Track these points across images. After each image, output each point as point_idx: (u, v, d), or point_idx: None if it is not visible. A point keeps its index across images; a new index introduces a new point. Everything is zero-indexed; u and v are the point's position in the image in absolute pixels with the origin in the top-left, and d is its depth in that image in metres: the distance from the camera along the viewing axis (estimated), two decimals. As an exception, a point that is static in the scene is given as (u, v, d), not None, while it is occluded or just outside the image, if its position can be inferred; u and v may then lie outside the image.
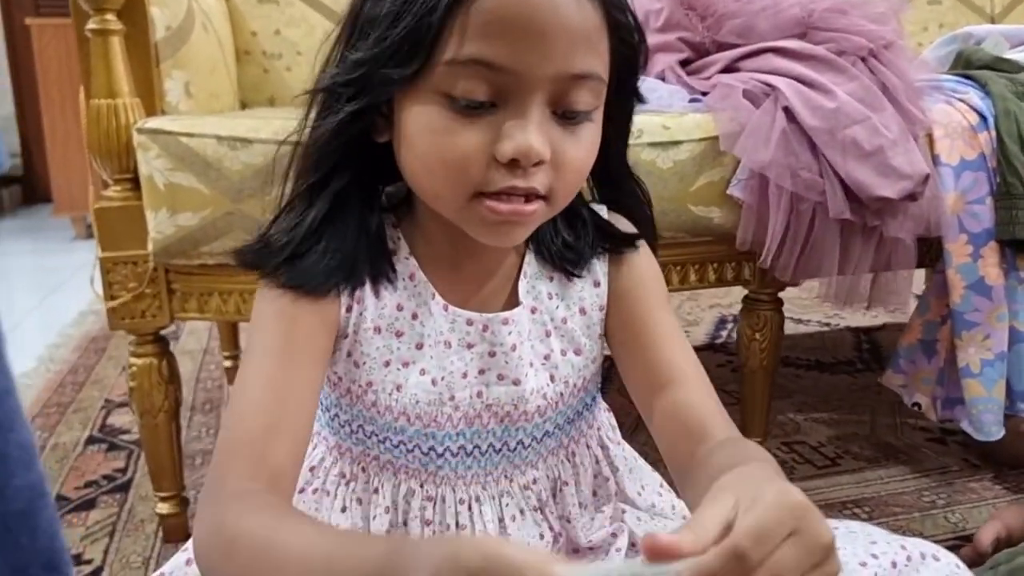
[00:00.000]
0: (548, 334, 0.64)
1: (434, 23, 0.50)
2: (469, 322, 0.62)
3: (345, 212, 0.59)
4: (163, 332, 1.03)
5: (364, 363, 0.62)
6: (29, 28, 3.41)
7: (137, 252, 0.97)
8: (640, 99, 0.61)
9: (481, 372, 0.63)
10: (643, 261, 0.67)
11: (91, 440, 1.40)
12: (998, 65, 1.34)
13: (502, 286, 0.64)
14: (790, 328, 1.93)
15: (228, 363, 1.65)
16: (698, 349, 1.79)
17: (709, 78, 1.08)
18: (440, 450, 0.63)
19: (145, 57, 1.02)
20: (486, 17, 0.49)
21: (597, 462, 0.70)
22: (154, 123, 0.93)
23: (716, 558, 0.35)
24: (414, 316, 0.62)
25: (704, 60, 1.10)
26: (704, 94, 1.06)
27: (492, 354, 0.62)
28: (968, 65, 1.38)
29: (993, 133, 1.09)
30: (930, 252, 1.15)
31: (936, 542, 1.01)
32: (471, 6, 0.49)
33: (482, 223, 0.54)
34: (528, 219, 0.54)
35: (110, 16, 0.94)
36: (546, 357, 0.64)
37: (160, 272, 0.98)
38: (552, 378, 0.64)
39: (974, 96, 1.11)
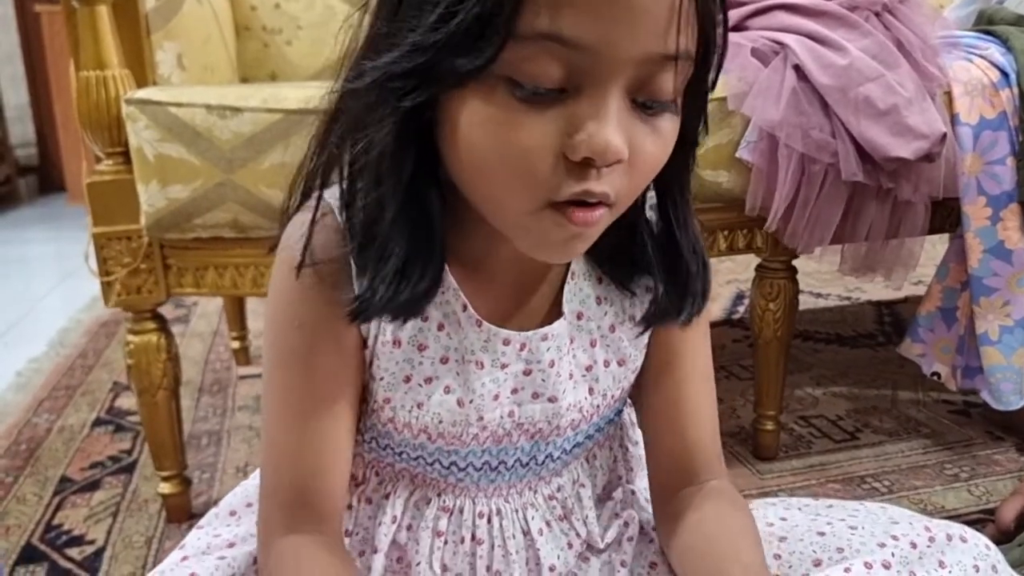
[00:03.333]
0: (593, 343, 0.57)
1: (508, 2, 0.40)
2: (506, 342, 0.54)
3: (420, 228, 0.48)
4: (174, 314, 1.01)
5: (382, 378, 0.54)
6: (39, 15, 3.40)
7: (131, 227, 0.95)
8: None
9: (514, 391, 0.55)
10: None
11: (98, 422, 1.39)
12: (1022, 23, 1.29)
13: (545, 293, 0.56)
14: (809, 302, 1.90)
15: (236, 344, 1.64)
16: (714, 325, 1.76)
17: (716, 38, 1.03)
18: (463, 464, 0.57)
19: (135, 28, 1.00)
20: None
21: (615, 461, 0.66)
22: (142, 93, 0.90)
23: None
24: (440, 327, 0.53)
25: (711, 20, 1.06)
26: (711, 55, 1.02)
27: (528, 372, 0.55)
28: (990, 23, 1.33)
29: (1015, 90, 1.04)
30: (950, 216, 1.11)
31: (959, 515, 0.99)
32: None
33: (543, 238, 0.46)
34: (594, 229, 0.46)
35: (97, -15, 0.91)
36: (588, 368, 0.57)
37: (155, 247, 0.96)
38: (591, 391, 0.58)
39: (995, 52, 1.07)
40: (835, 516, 0.60)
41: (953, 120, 1.03)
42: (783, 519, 0.61)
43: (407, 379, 0.54)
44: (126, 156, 0.93)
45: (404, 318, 0.50)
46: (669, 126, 0.45)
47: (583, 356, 0.57)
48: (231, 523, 0.63)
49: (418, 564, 0.57)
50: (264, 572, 0.53)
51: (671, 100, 0.44)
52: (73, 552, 1.01)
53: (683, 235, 0.53)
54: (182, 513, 1.07)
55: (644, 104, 0.43)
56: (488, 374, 0.54)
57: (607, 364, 0.57)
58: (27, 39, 4.31)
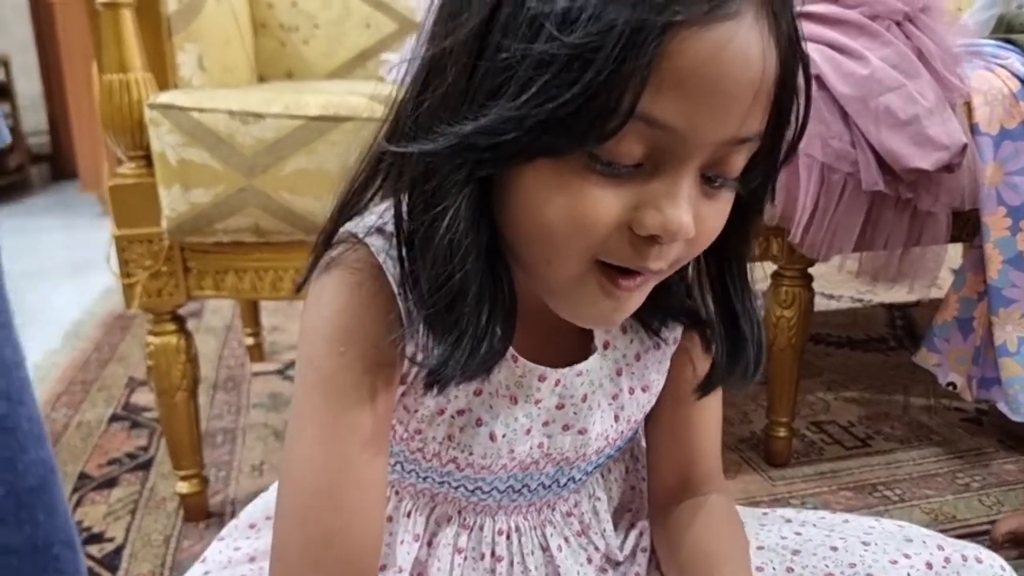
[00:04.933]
0: (619, 372, 0.57)
1: (636, 82, 0.38)
2: (541, 378, 0.53)
3: (498, 284, 0.46)
4: (187, 309, 1.02)
5: (416, 411, 0.53)
6: (53, 5, 3.41)
7: (152, 230, 0.96)
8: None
9: (545, 424, 0.55)
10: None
11: (115, 418, 1.40)
12: (1042, 29, 1.28)
13: (576, 328, 0.53)
14: (821, 304, 1.89)
15: (250, 340, 1.65)
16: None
17: (736, 46, 1.03)
18: (487, 489, 0.57)
19: (157, 30, 1.00)
20: (668, 69, 0.38)
21: (627, 472, 0.67)
22: (165, 98, 0.91)
23: None
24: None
25: (731, 27, 1.06)
26: (731, 63, 1.02)
27: (560, 407, 0.55)
28: (1010, 29, 1.33)
29: (1036, 100, 1.04)
30: (967, 226, 1.11)
31: (970, 526, 1.00)
32: (661, 57, 0.38)
33: (588, 301, 0.45)
34: (636, 296, 0.46)
35: (120, -12, 0.92)
36: (614, 397, 0.58)
37: (176, 250, 0.97)
38: (616, 418, 0.58)
39: (1016, 62, 1.06)
40: (849, 532, 0.61)
41: (973, 130, 1.03)
42: (797, 533, 0.62)
43: (441, 411, 0.53)
44: (148, 159, 0.94)
45: (471, 380, 0.48)
46: (729, 197, 0.45)
47: (609, 385, 0.57)
48: (251, 536, 0.64)
49: None
50: None
51: (732, 178, 0.44)
52: (93, 550, 1.02)
53: (741, 303, 0.53)
54: (199, 512, 1.08)
55: (710, 178, 0.43)
56: (522, 409, 0.54)
57: (632, 391, 0.58)
58: (40, 29, 4.32)
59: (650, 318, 0.55)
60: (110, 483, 1.18)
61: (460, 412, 0.53)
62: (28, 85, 4.56)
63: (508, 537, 0.59)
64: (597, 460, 0.60)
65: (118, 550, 1.02)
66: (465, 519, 0.59)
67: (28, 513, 0.29)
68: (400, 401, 0.53)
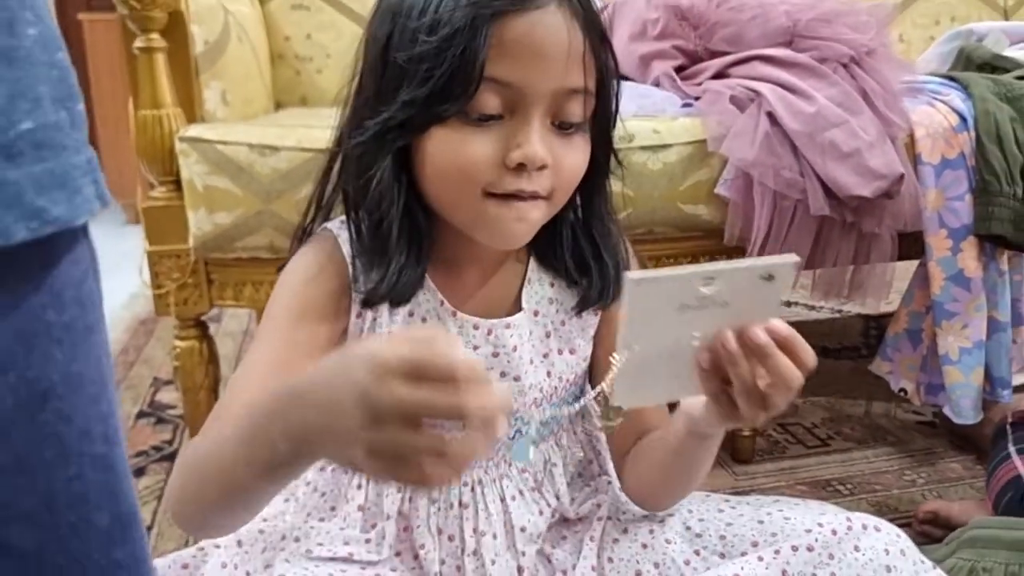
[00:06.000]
0: (548, 335, 0.72)
1: (479, 57, 0.56)
2: (475, 327, 0.68)
3: (414, 228, 0.64)
4: (205, 316, 1.14)
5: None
6: (81, 23, 3.57)
7: (180, 246, 1.09)
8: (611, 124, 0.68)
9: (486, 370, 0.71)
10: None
11: (141, 415, 1.54)
12: (997, 62, 1.39)
13: (506, 293, 0.71)
14: (802, 315, 2.00)
15: (265, 344, 1.78)
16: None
17: (700, 83, 1.15)
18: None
19: (186, 70, 1.13)
20: (500, 44, 0.57)
21: (582, 447, 0.80)
22: (193, 132, 1.04)
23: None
24: (424, 321, 0.68)
25: (697, 67, 1.18)
26: (696, 99, 1.14)
27: (496, 355, 0.69)
28: (969, 62, 1.44)
29: (972, 134, 1.15)
30: (915, 244, 1.22)
31: (908, 516, 1.11)
32: (491, 34, 0.57)
33: (491, 222, 0.61)
34: (533, 220, 0.62)
35: (155, 35, 1.05)
36: (544, 355, 0.72)
37: (200, 264, 1.10)
38: (548, 374, 0.72)
39: (956, 98, 1.17)
40: (775, 508, 0.73)
41: (916, 160, 1.15)
42: (733, 508, 0.75)
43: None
44: (177, 184, 1.07)
45: (399, 304, 0.66)
46: (581, 142, 0.63)
47: (540, 345, 0.72)
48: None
49: (418, 527, 0.70)
50: (178, 460, 0.61)
51: (580, 123, 0.62)
52: (124, 529, 1.15)
53: (603, 242, 0.70)
54: (219, 498, 1.21)
55: (560, 125, 0.61)
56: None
57: (560, 352, 0.72)
58: (69, 44, 4.48)
59: (565, 270, 0.71)
60: (138, 472, 1.31)
61: None
62: (54, 96, 4.72)
63: (472, 489, 0.72)
64: (541, 416, 0.72)
65: (147, 530, 1.15)
66: None
67: (129, 533, 0.33)
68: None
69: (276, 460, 0.47)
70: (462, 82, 0.57)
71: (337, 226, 0.68)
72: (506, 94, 0.58)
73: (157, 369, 1.77)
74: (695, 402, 0.60)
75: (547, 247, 0.71)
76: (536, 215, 0.62)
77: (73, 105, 0.30)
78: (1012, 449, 0.97)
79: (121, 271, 1.23)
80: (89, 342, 0.31)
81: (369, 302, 0.65)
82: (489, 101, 0.58)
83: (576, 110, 0.61)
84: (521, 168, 0.59)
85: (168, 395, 1.61)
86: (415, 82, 0.58)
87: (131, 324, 2.10)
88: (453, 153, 0.59)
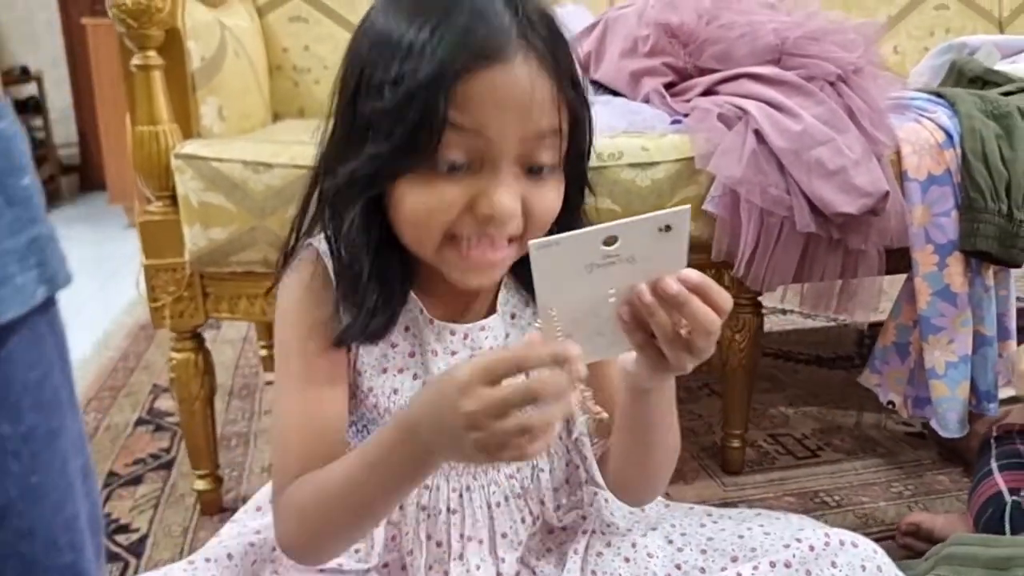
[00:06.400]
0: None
1: (443, 112, 0.57)
2: (452, 332, 0.72)
3: (387, 270, 0.66)
4: (201, 328, 1.16)
5: (365, 371, 0.70)
6: (85, 27, 3.60)
7: (176, 260, 1.11)
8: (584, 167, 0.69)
9: None
10: None
11: (140, 422, 1.56)
12: (989, 76, 1.41)
13: (483, 297, 0.74)
14: (798, 323, 2.02)
15: (264, 352, 1.79)
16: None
17: (689, 100, 1.17)
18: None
19: (183, 86, 1.14)
20: (464, 96, 0.57)
21: (568, 451, 0.81)
22: (189, 148, 1.06)
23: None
24: (406, 329, 0.71)
25: (686, 83, 1.19)
26: (685, 115, 1.16)
27: (472, 358, 0.72)
28: (960, 75, 1.45)
29: (959, 151, 1.16)
30: (904, 258, 1.23)
31: (893, 529, 1.12)
32: (455, 90, 0.57)
33: (455, 266, 0.63)
34: (498, 263, 0.63)
35: (151, 53, 1.07)
36: None
37: (196, 278, 1.12)
38: (527, 376, 0.75)
39: (942, 115, 1.19)
40: (756, 523, 0.75)
41: (902, 176, 1.16)
42: (715, 523, 0.77)
43: (384, 370, 0.70)
44: (173, 199, 1.09)
45: (373, 342, 0.69)
46: (553, 183, 0.63)
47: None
48: (258, 516, 0.78)
49: (407, 534, 0.72)
50: (282, 507, 0.65)
51: (551, 165, 0.62)
52: (121, 539, 1.17)
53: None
54: (214, 507, 1.23)
55: (531, 169, 0.61)
56: (442, 360, 0.70)
57: None
58: (72, 45, 4.52)
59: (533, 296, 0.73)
60: (136, 480, 1.33)
61: (400, 370, 0.70)
62: (59, 98, 4.76)
63: (461, 495, 0.73)
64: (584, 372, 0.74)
65: (142, 539, 1.17)
66: (426, 482, 0.73)
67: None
68: (353, 368, 0.71)
69: (403, 477, 0.58)
70: (426, 136, 0.58)
71: (323, 245, 0.70)
72: (473, 145, 0.59)
73: (157, 375, 1.79)
74: (629, 358, 0.62)
75: (522, 267, 0.72)
76: (506, 258, 0.64)
77: (13, 181, 0.26)
78: (994, 465, 0.99)
79: (122, 276, 1.25)
80: (52, 448, 0.28)
81: (341, 342, 0.67)
82: (456, 152, 0.59)
83: (546, 154, 0.61)
84: (489, 219, 0.60)
85: (167, 402, 1.64)
86: (381, 135, 0.59)
87: (132, 330, 2.12)
88: (422, 204, 0.60)
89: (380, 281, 0.66)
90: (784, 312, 2.06)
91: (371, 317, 0.66)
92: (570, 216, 0.70)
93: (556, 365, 0.50)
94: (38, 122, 4.57)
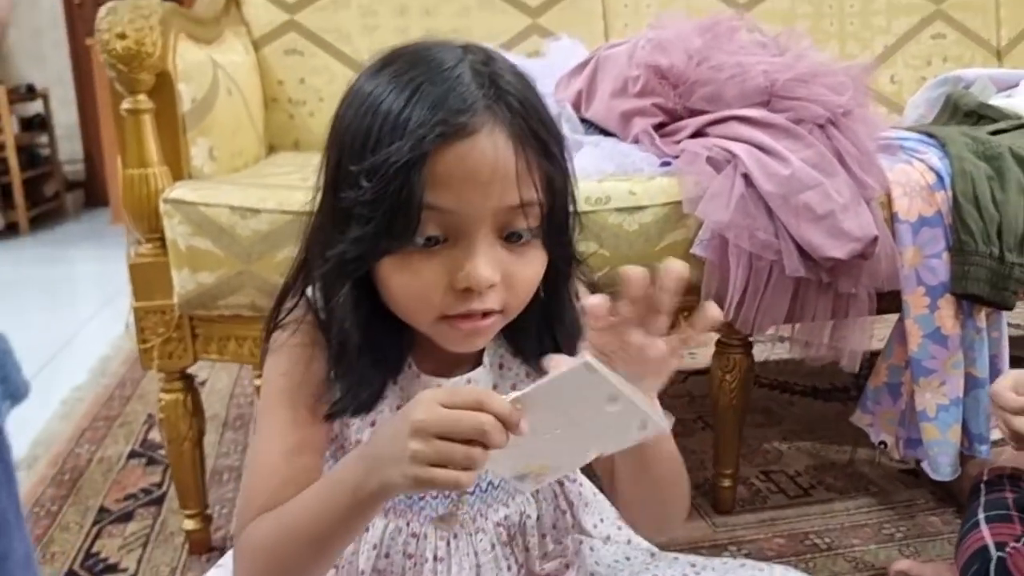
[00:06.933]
0: (514, 386, 0.74)
1: (417, 196, 0.58)
2: (438, 386, 0.71)
3: (379, 341, 0.67)
4: (190, 368, 1.16)
5: (353, 424, 0.71)
6: (90, 48, 3.63)
7: (166, 302, 1.11)
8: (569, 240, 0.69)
9: None
10: None
11: (133, 454, 1.56)
12: (983, 111, 1.40)
13: (472, 354, 0.72)
14: (794, 353, 2.00)
15: (258, 381, 1.79)
16: (701, 372, 1.88)
17: (679, 142, 1.17)
18: (422, 493, 0.73)
19: (173, 128, 1.15)
20: (436, 175, 0.58)
21: (555, 496, 0.81)
22: (177, 193, 1.06)
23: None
24: (395, 382, 0.71)
25: (676, 124, 1.19)
26: (675, 157, 1.15)
27: None
28: (956, 109, 1.45)
29: (950, 192, 1.15)
30: (893, 301, 1.23)
31: (884, 571, 1.11)
32: (427, 171, 0.58)
33: (447, 339, 0.64)
34: (486, 331, 0.65)
35: (141, 97, 1.07)
36: None
37: (185, 320, 1.12)
38: None
39: (933, 156, 1.18)
40: (743, 574, 0.75)
41: (893, 218, 1.15)
42: (698, 574, 0.78)
43: (372, 423, 0.71)
44: (163, 242, 1.09)
45: (363, 413, 0.69)
46: (534, 252, 0.64)
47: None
48: None
49: None
50: (239, 547, 0.65)
51: (530, 235, 0.62)
52: (109, 578, 1.17)
53: (560, 335, 0.71)
54: (203, 546, 1.22)
55: (509, 238, 0.62)
56: None
57: None
58: (78, 64, 4.56)
59: (521, 353, 0.73)
60: (126, 517, 1.33)
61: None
62: (65, 115, 4.80)
63: (448, 543, 0.74)
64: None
65: (131, 578, 1.17)
66: (413, 528, 0.73)
67: None
68: (341, 420, 0.71)
69: (351, 506, 0.58)
70: (403, 220, 0.58)
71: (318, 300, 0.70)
72: (447, 220, 0.59)
73: (152, 404, 1.79)
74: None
75: (509, 327, 0.71)
76: (490, 328, 0.64)
77: None
78: (981, 516, 0.98)
79: (123, 298, 1.24)
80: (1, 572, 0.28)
81: (332, 417, 0.67)
82: (431, 228, 0.59)
83: (522, 223, 0.61)
84: (469, 291, 0.60)
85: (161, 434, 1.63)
86: (360, 221, 0.60)
87: (130, 355, 2.12)
88: (404, 282, 0.61)
89: (372, 353, 0.66)
90: (781, 339, 2.04)
91: (360, 389, 0.67)
92: (557, 282, 0.70)
93: (503, 422, 0.52)
94: (44, 139, 4.61)
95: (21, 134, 4.38)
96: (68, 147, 4.83)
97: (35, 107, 4.62)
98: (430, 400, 0.53)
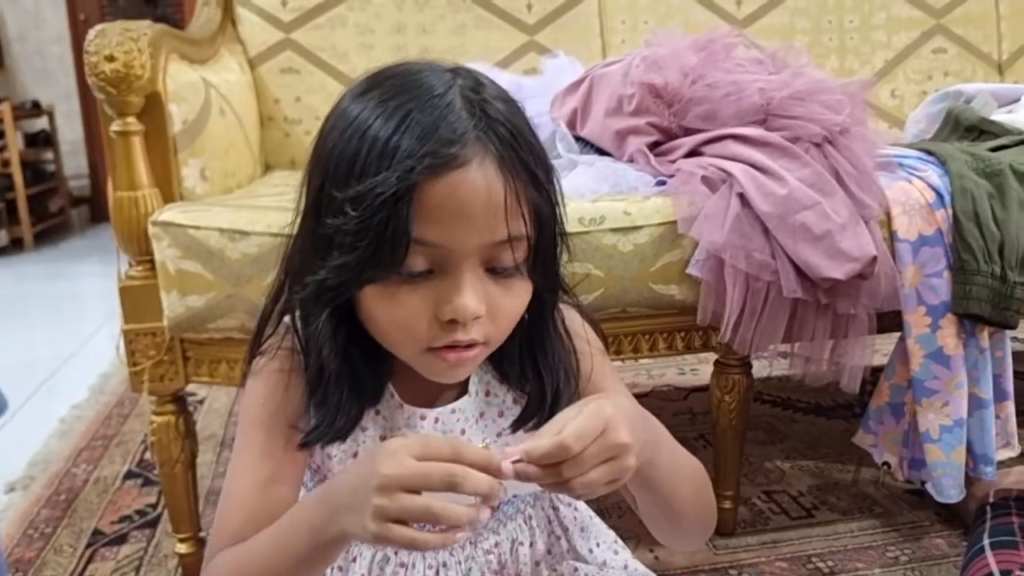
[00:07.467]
0: (501, 414, 0.73)
1: (404, 227, 0.56)
2: (422, 417, 0.70)
3: (357, 369, 0.66)
4: (186, 391, 1.15)
5: (335, 455, 0.70)
6: (94, 64, 3.64)
7: (156, 324, 1.10)
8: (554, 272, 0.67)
9: None
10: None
11: (129, 475, 1.55)
12: (984, 126, 1.39)
13: (457, 384, 0.71)
14: (798, 367, 1.98)
15: (256, 400, 1.78)
16: (703, 389, 1.86)
17: (674, 161, 1.15)
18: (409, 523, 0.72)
19: (164, 149, 1.14)
20: (423, 208, 0.56)
21: (549, 522, 0.80)
22: (166, 216, 1.05)
23: (546, 447, 0.52)
24: (377, 412, 0.70)
25: (671, 143, 1.18)
26: (671, 176, 1.14)
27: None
28: (956, 124, 1.43)
29: (950, 211, 1.14)
30: (894, 321, 1.21)
31: (886, 601, 1.08)
32: (415, 202, 0.56)
33: (432, 369, 0.64)
34: (470, 362, 0.64)
35: (131, 119, 1.07)
36: (498, 435, 0.73)
37: (176, 342, 1.11)
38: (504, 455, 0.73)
39: (933, 174, 1.16)
40: None
41: (893, 237, 1.14)
42: None
43: (355, 454, 0.70)
44: (153, 264, 1.08)
45: (339, 440, 0.68)
46: (519, 284, 0.63)
47: (493, 425, 0.73)
48: None
49: None
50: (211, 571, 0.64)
51: (516, 267, 0.61)
52: (100, 605, 1.16)
53: (544, 367, 0.70)
54: (196, 570, 1.21)
55: (495, 270, 0.61)
56: None
57: (514, 430, 0.73)
58: (84, 81, 4.57)
59: (506, 379, 0.72)
60: (120, 539, 1.32)
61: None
62: (70, 131, 4.82)
63: (437, 572, 0.73)
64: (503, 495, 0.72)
65: (122, 605, 1.15)
66: (401, 558, 0.72)
67: None
68: (323, 451, 0.70)
69: (311, 547, 0.57)
70: (389, 250, 0.57)
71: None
72: (434, 253, 0.58)
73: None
74: None
75: (494, 357, 0.70)
76: (474, 359, 0.63)
77: None
78: (986, 542, 0.96)
79: None
80: None
81: (306, 445, 0.67)
82: (418, 261, 0.58)
83: (508, 257, 0.60)
84: (454, 322, 0.59)
85: (157, 453, 1.62)
86: (343, 249, 0.58)
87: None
88: (388, 312, 0.60)
89: (350, 381, 0.66)
90: (784, 356, 2.02)
91: (336, 417, 0.66)
92: (543, 315, 0.69)
93: (484, 469, 0.51)
94: (49, 155, 4.62)
95: (26, 150, 4.39)
96: (73, 163, 4.85)
97: (40, 123, 4.63)
98: (400, 450, 0.51)
